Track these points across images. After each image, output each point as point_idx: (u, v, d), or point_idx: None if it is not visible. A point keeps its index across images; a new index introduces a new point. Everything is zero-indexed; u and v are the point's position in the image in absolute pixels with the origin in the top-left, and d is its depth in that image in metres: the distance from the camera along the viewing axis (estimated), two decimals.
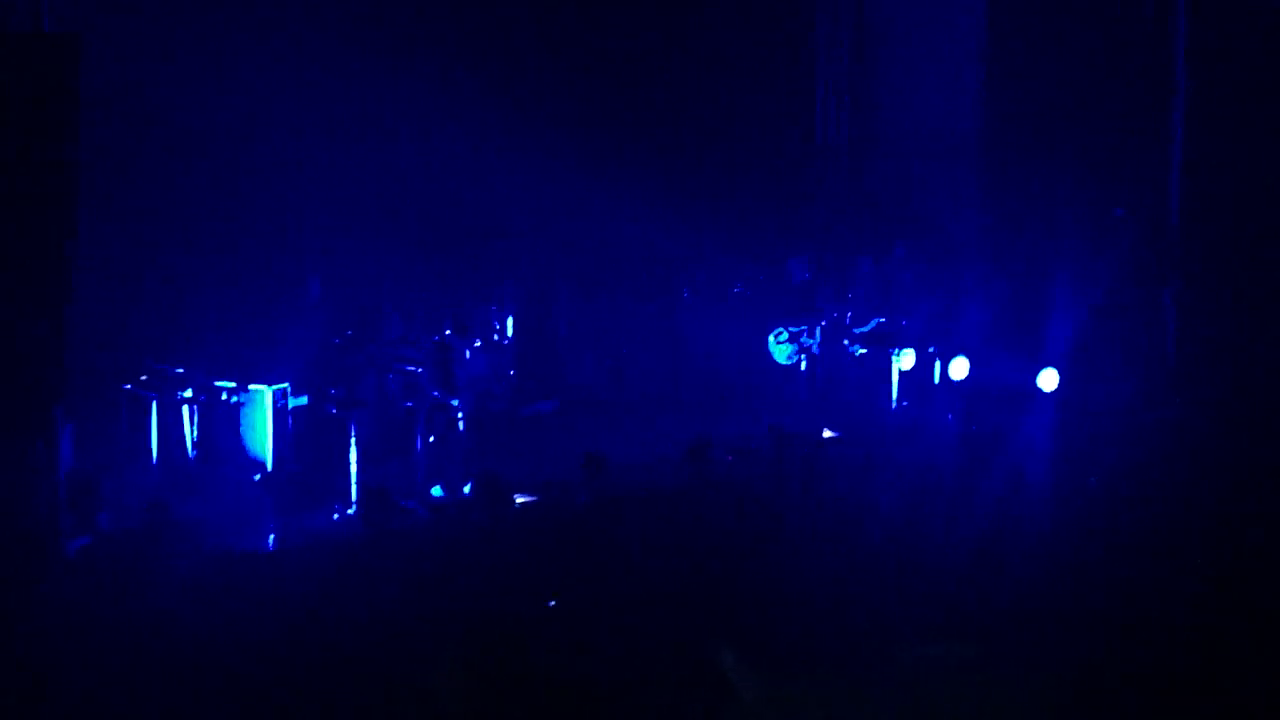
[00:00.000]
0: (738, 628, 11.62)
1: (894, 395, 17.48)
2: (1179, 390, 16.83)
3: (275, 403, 14.25)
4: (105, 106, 14.33)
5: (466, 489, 14.31)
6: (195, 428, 14.32)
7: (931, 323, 17.74)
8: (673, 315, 19.54)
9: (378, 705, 10.47)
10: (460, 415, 15.06)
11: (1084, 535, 12.90)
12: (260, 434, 14.22)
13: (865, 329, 17.74)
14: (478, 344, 16.19)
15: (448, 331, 15.32)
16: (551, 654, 11.64)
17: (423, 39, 17.68)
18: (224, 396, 14.30)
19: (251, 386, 14.27)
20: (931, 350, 17.47)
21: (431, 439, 14.88)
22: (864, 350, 17.63)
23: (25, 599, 11.01)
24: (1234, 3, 17.01)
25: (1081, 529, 13.04)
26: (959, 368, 17.21)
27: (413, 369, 15.11)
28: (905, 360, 17.44)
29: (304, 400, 14.53)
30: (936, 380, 17.39)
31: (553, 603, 12.05)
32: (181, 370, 14.44)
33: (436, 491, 14.82)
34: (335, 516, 13.90)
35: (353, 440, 14.29)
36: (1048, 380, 16.58)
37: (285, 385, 14.37)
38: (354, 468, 14.25)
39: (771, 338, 17.88)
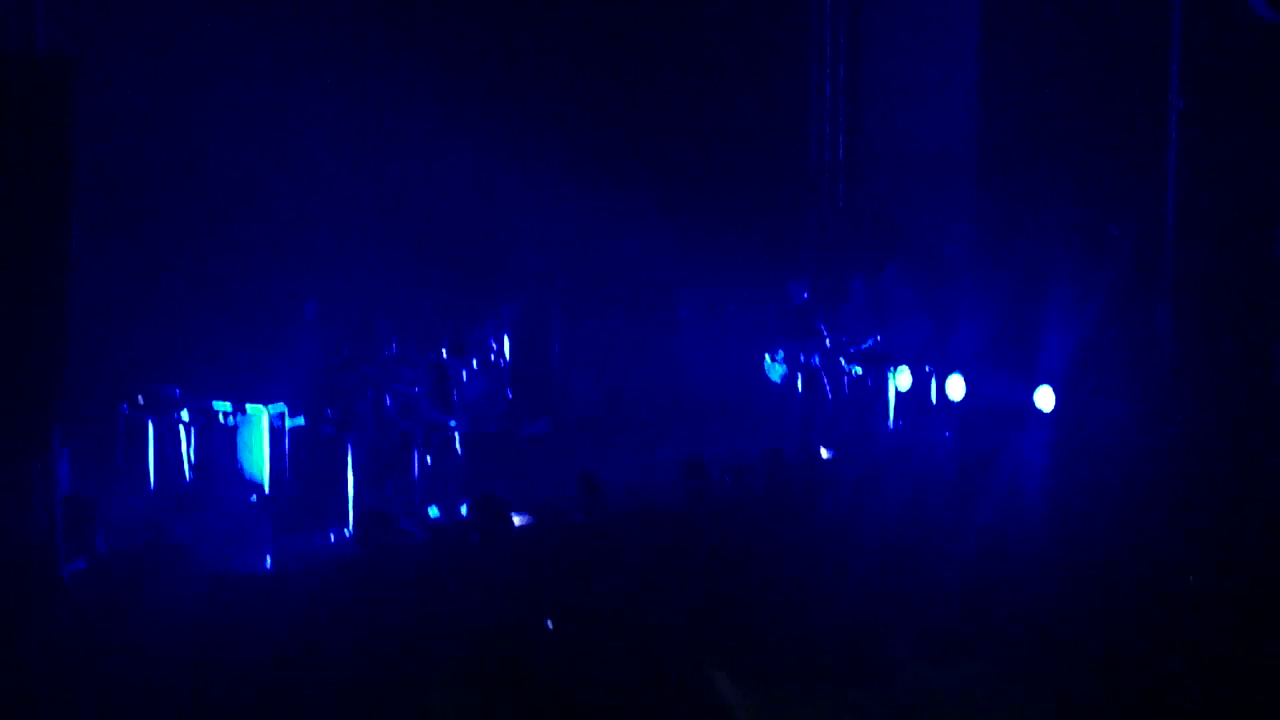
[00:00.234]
0: (734, 647, 11.61)
1: (890, 414, 17.48)
2: (1175, 408, 16.84)
3: (272, 424, 14.24)
4: (101, 127, 14.34)
5: (463, 509, 14.30)
6: (192, 449, 14.31)
7: (927, 341, 17.75)
8: (669, 335, 19.55)
9: None
10: (457, 436, 15.06)
11: (1081, 554, 12.90)
12: (257, 455, 14.21)
13: (861, 348, 17.75)
14: (475, 364, 16.20)
15: (444, 352, 15.33)
16: (548, 675, 11.63)
17: (420, 60, 17.68)
18: (221, 418, 14.29)
19: (248, 407, 14.26)
20: (927, 369, 17.48)
21: (429, 460, 14.88)
22: (860, 369, 17.63)
23: (22, 621, 10.99)
24: (1229, 20, 17.04)
25: (1079, 548, 13.05)
26: (955, 386, 17.23)
27: (410, 389, 15.11)
28: (901, 379, 17.45)
29: (301, 421, 14.52)
30: (933, 399, 17.40)
31: (550, 623, 12.04)
32: (178, 392, 14.43)
33: (433, 512, 14.82)
34: (332, 538, 13.90)
35: (349, 461, 14.28)
36: (1044, 398, 16.60)
37: (282, 406, 14.37)
38: (351, 488, 14.24)
39: (768, 357, 17.89)
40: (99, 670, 10.51)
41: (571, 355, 18.97)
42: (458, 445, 15.05)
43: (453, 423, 15.04)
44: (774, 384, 17.83)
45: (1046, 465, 15.55)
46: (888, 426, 17.44)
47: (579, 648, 11.84)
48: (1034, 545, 13.11)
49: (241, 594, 11.92)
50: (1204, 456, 15.46)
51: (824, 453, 16.80)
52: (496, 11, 18.56)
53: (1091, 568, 12.55)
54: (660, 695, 10.81)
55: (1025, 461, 15.50)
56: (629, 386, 18.91)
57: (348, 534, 13.92)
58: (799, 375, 17.69)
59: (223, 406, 14.33)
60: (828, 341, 17.76)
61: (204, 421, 14.30)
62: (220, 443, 14.31)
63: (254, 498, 14.10)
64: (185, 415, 14.32)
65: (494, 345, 17.54)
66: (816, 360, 17.61)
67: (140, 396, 14.44)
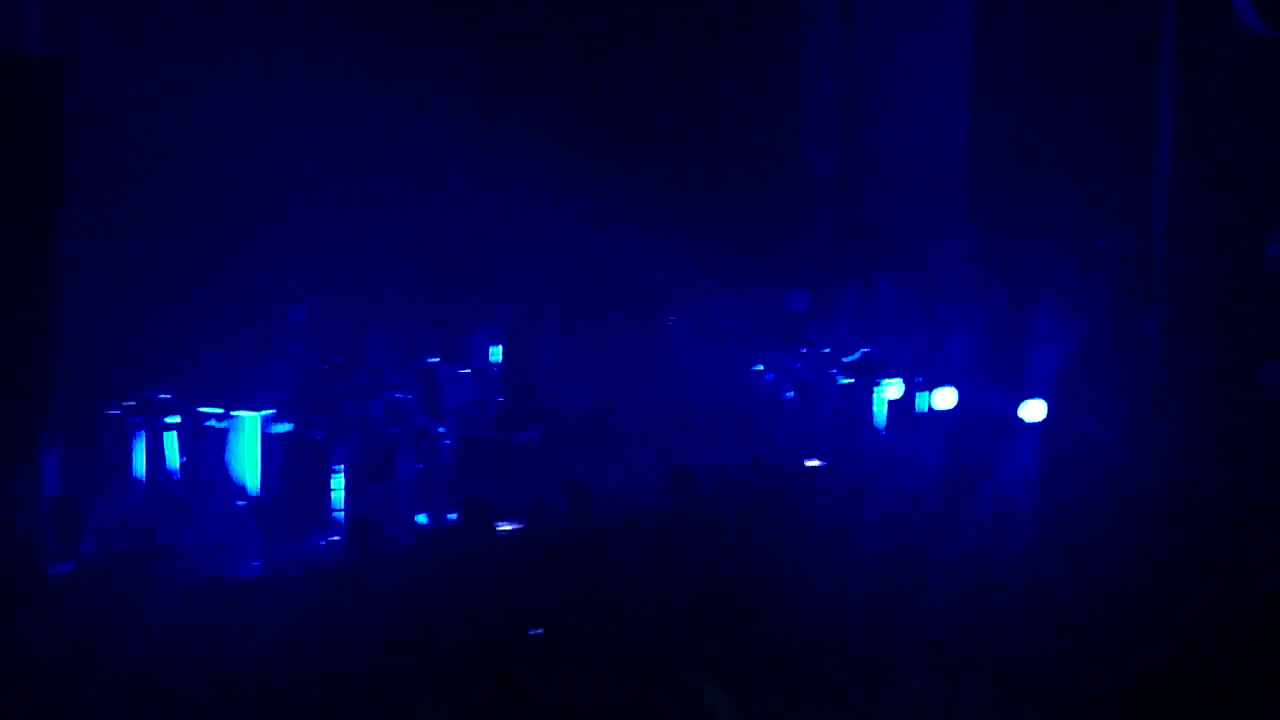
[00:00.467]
0: (723, 657, 11.61)
1: (880, 425, 17.48)
2: (1165, 421, 16.86)
3: (262, 429, 14.23)
4: (92, 130, 14.33)
5: (452, 516, 14.29)
6: (181, 454, 14.29)
7: (918, 353, 17.76)
8: (659, 344, 19.54)
9: None
10: (447, 442, 15.05)
11: (1071, 566, 12.92)
12: (246, 460, 14.20)
13: (851, 358, 17.75)
14: (465, 371, 16.18)
15: (435, 358, 15.31)
16: (537, 682, 11.62)
17: (414, 67, 17.68)
18: (210, 422, 14.28)
19: (238, 412, 14.25)
20: (918, 380, 17.49)
21: (418, 466, 14.86)
22: (850, 380, 17.64)
23: (8, 625, 10.97)
24: (1220, 34, 17.09)
25: (1068, 560, 13.06)
26: (945, 398, 17.24)
27: (399, 395, 15.10)
28: (891, 390, 17.45)
29: (290, 426, 14.51)
30: (923, 410, 17.41)
31: (538, 630, 12.04)
32: (168, 396, 14.41)
33: (422, 518, 14.81)
34: (321, 543, 13.88)
35: (339, 466, 14.27)
36: (1034, 410, 16.62)
37: (272, 411, 14.35)
38: (340, 494, 14.23)
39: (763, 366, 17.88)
40: (86, 674, 10.49)
41: (562, 363, 18.95)
42: (447, 452, 15.04)
43: (442, 429, 15.03)
44: (771, 393, 17.81)
45: (1036, 477, 15.56)
46: (877, 437, 17.44)
47: (567, 655, 11.83)
48: (1023, 557, 13.12)
49: (230, 599, 11.91)
50: (1194, 469, 15.48)
51: (813, 462, 16.80)
52: (492, 18, 18.57)
53: (1081, 580, 12.56)
54: (649, 704, 10.81)
55: (1015, 473, 15.52)
56: (619, 394, 18.89)
57: (336, 539, 13.90)
58: (791, 385, 17.69)
59: (213, 411, 14.31)
60: (822, 352, 17.77)
61: (193, 426, 14.28)
62: (210, 447, 14.29)
63: (243, 502, 14.08)
64: (175, 419, 14.30)
65: (484, 352, 17.54)
66: (811, 370, 17.62)
67: (130, 400, 14.42)
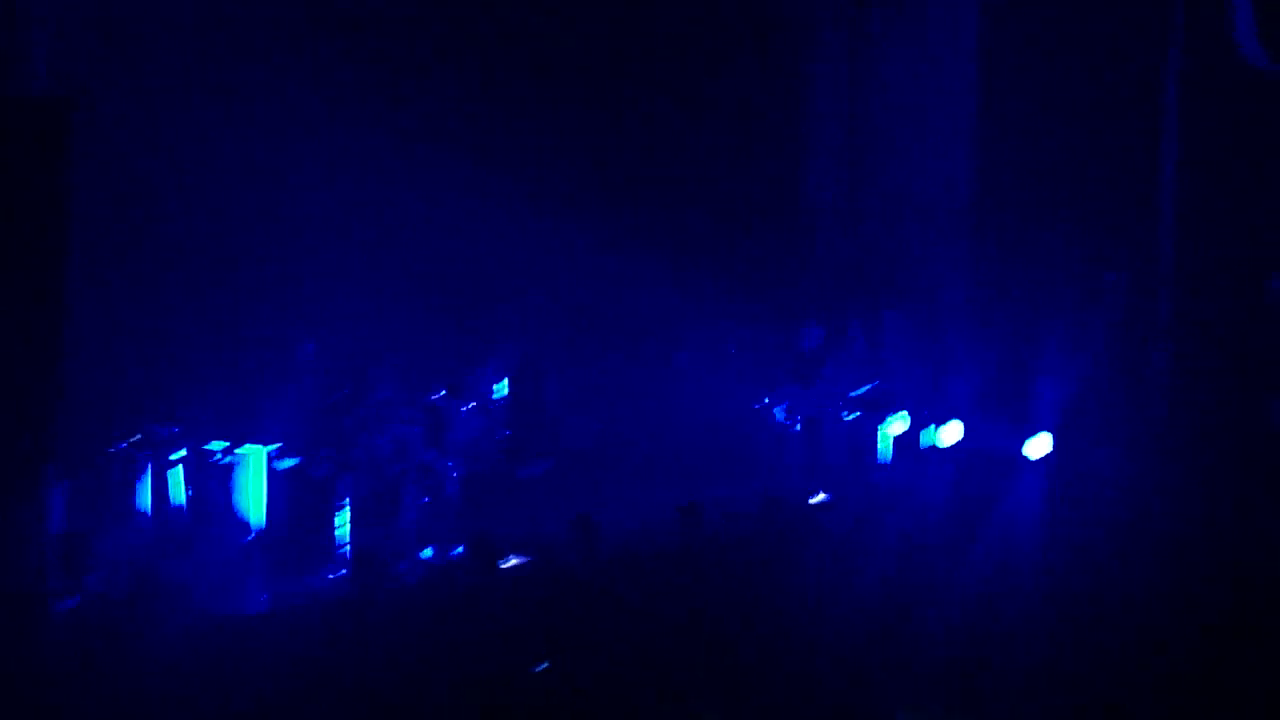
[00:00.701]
0: (728, 692, 11.60)
1: (885, 460, 17.47)
2: (1171, 455, 16.84)
3: (267, 463, 14.22)
4: (99, 165, 14.35)
5: (457, 552, 14.28)
6: (187, 489, 14.28)
7: (923, 387, 17.75)
8: (666, 378, 19.53)
9: None
10: (453, 477, 15.05)
11: (1076, 602, 12.91)
12: (252, 495, 14.19)
13: (857, 393, 17.75)
14: (471, 405, 16.17)
15: (441, 393, 15.31)
16: (543, 716, 11.61)
17: (419, 100, 17.72)
18: (216, 457, 14.28)
19: (244, 447, 14.25)
20: (924, 414, 17.48)
21: (424, 501, 14.86)
22: (856, 414, 17.63)
23: (13, 660, 10.97)
24: (1224, 69, 17.12)
25: (1073, 595, 13.05)
26: (951, 432, 17.24)
27: (405, 430, 15.10)
28: (896, 425, 17.44)
29: (296, 461, 14.51)
30: (928, 445, 17.40)
31: (544, 665, 12.03)
32: (174, 431, 14.42)
33: (427, 554, 14.80)
34: (327, 578, 13.88)
35: (345, 502, 14.26)
36: (1039, 445, 16.61)
37: (278, 446, 14.35)
38: (346, 529, 14.22)
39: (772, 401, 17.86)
40: (89, 710, 10.49)
41: (568, 397, 18.94)
42: (453, 486, 15.04)
43: (449, 464, 15.02)
44: (782, 427, 17.80)
45: (1042, 512, 15.55)
46: (883, 472, 17.43)
47: (573, 690, 11.83)
48: (1028, 592, 13.11)
49: (234, 635, 11.91)
50: (1200, 503, 15.47)
51: (820, 497, 16.78)
52: (499, 51, 18.61)
53: (1086, 615, 12.55)
54: None
55: (1020, 508, 15.51)
56: (626, 429, 18.88)
57: (342, 575, 13.89)
58: (802, 420, 17.69)
59: (219, 446, 14.32)
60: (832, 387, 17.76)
61: (200, 461, 14.28)
62: (216, 482, 14.28)
63: (248, 538, 14.08)
64: (181, 454, 14.30)
65: (491, 386, 17.55)
66: (822, 405, 17.62)
67: (136, 435, 14.42)
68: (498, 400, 17.67)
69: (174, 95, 16.21)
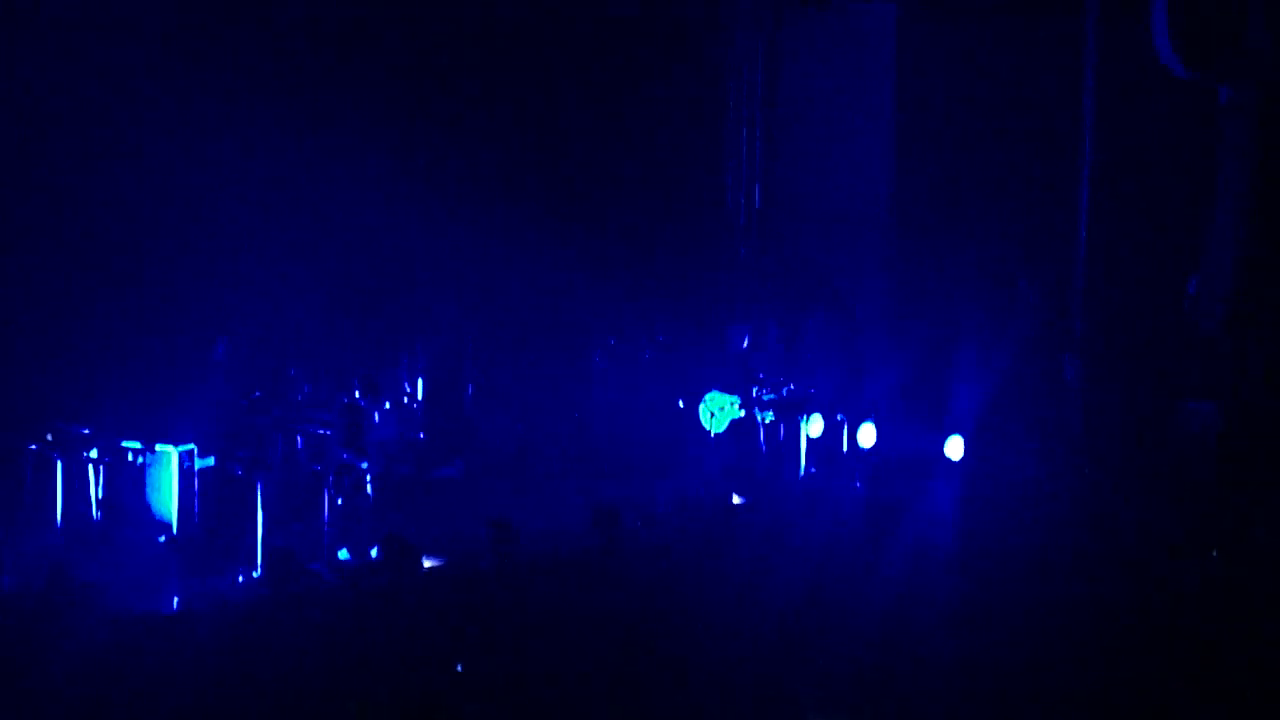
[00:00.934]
0: (642, 691, 11.61)
1: (802, 462, 17.55)
2: (1083, 459, 16.99)
3: (181, 464, 14.12)
4: (6, 161, 14.23)
5: (373, 552, 14.23)
6: (100, 488, 14.16)
7: (839, 390, 17.84)
8: (583, 379, 19.55)
9: None
10: (368, 478, 14.99)
11: (989, 602, 12.99)
12: (166, 495, 14.08)
13: (774, 395, 17.81)
14: (387, 406, 16.10)
15: (357, 393, 15.25)
16: (457, 718, 11.59)
17: (333, 102, 17.65)
18: (129, 457, 14.16)
19: (158, 447, 14.14)
20: (839, 417, 17.56)
21: (339, 501, 14.79)
22: (772, 416, 17.69)
23: None
24: (1142, 77, 17.28)
25: (986, 596, 13.14)
26: (866, 435, 17.33)
27: (321, 430, 15.03)
28: (813, 427, 17.52)
29: (210, 461, 14.40)
30: (844, 447, 17.49)
31: (458, 666, 12.01)
32: (87, 430, 14.29)
33: (343, 554, 14.73)
34: (240, 579, 13.79)
35: (259, 502, 14.18)
36: (954, 448, 16.73)
37: (192, 446, 14.25)
38: (260, 530, 14.14)
39: (707, 405, 17.87)
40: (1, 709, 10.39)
41: (485, 398, 18.93)
42: (369, 487, 14.98)
43: (364, 464, 14.96)
44: (708, 431, 17.82)
45: (956, 514, 15.66)
46: (799, 474, 17.50)
47: (489, 691, 11.81)
48: (942, 594, 13.19)
49: (148, 635, 11.81)
50: (1110, 507, 15.61)
51: (735, 499, 16.83)
52: (415, 53, 18.57)
53: (998, 615, 12.64)
54: None
55: (935, 510, 15.61)
56: (542, 430, 18.89)
57: (256, 575, 13.81)
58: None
59: (132, 446, 14.20)
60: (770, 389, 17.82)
61: (112, 460, 14.15)
62: (129, 482, 14.17)
63: (162, 538, 13.97)
64: (94, 454, 14.18)
65: (406, 387, 17.49)
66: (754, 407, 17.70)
67: (48, 434, 14.28)
68: (415, 400, 17.64)
69: (87, 92, 16.08)
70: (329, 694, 11.61)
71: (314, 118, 17.46)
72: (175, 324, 16.32)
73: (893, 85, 19.52)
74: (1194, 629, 12.27)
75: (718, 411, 17.57)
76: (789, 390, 17.77)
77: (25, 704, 10.48)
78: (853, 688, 11.71)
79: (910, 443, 16.94)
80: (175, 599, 13.28)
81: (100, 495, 14.12)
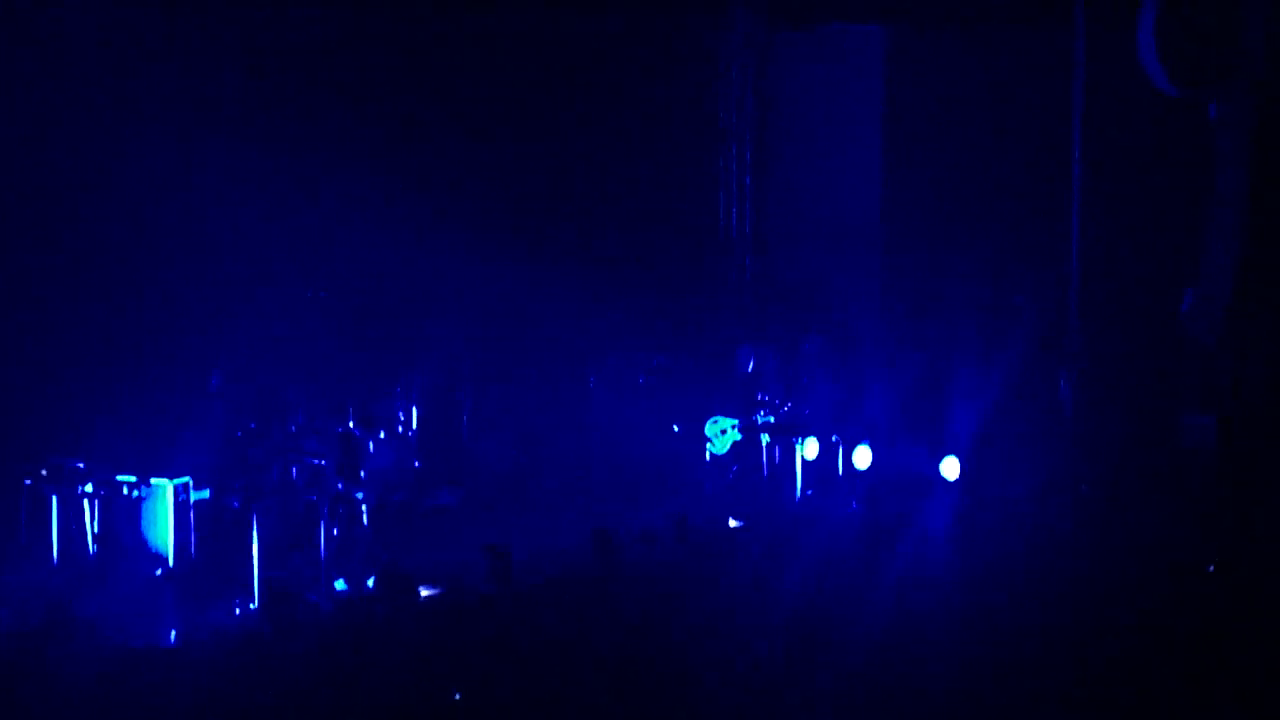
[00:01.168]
0: (642, 717, 11.60)
1: (798, 484, 17.54)
2: (1079, 479, 16.98)
3: (177, 496, 14.11)
4: (2, 192, 14.26)
5: (370, 582, 14.23)
6: (96, 522, 14.16)
7: (835, 411, 17.84)
8: (579, 405, 19.55)
9: None
10: (364, 507, 14.98)
11: (987, 622, 12.97)
12: (162, 528, 14.08)
13: (770, 418, 17.81)
14: (382, 435, 16.11)
15: (352, 423, 15.25)
16: None
17: (327, 130, 17.68)
18: (125, 490, 14.16)
19: (153, 480, 14.14)
20: (835, 439, 17.56)
21: (335, 532, 14.79)
22: (768, 439, 17.70)
23: None
24: (1131, 94, 17.29)
25: (984, 616, 13.11)
26: (862, 456, 17.33)
27: (317, 461, 15.02)
28: (809, 449, 17.52)
29: (206, 493, 14.40)
30: (840, 469, 17.48)
31: (457, 696, 11.99)
32: (82, 464, 14.29)
33: (340, 585, 14.73)
34: (237, 611, 13.78)
35: (255, 534, 14.17)
36: (949, 468, 16.72)
37: (187, 479, 14.25)
38: (256, 561, 14.13)
39: (714, 427, 17.87)
40: None
41: (480, 425, 18.93)
42: (365, 517, 14.97)
43: (360, 494, 14.96)
44: (716, 454, 17.82)
45: (952, 535, 15.64)
46: (795, 496, 17.50)
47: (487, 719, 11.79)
48: (939, 616, 13.16)
49: (145, 669, 11.79)
50: (1108, 526, 15.59)
51: (732, 522, 16.83)
52: (413, 81, 18.61)
53: (997, 636, 12.61)
54: None
55: (931, 532, 15.59)
56: (538, 457, 18.89)
57: (253, 607, 13.81)
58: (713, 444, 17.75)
59: (127, 479, 14.20)
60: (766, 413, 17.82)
61: (108, 494, 14.15)
62: (125, 516, 14.16)
63: (159, 571, 13.96)
64: (89, 488, 14.17)
65: (402, 416, 17.49)
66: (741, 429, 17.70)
67: (43, 469, 14.28)
68: (409, 430, 17.63)
69: (82, 119, 16.11)
70: None
71: (308, 147, 17.49)
72: (170, 356, 16.33)
73: (882, 104, 19.56)
74: (1193, 646, 12.25)
75: (718, 436, 17.60)
76: (785, 412, 17.77)
77: None
78: (851, 710, 11.67)
79: (906, 464, 16.95)
80: (173, 632, 13.28)
81: (96, 529, 14.12)
